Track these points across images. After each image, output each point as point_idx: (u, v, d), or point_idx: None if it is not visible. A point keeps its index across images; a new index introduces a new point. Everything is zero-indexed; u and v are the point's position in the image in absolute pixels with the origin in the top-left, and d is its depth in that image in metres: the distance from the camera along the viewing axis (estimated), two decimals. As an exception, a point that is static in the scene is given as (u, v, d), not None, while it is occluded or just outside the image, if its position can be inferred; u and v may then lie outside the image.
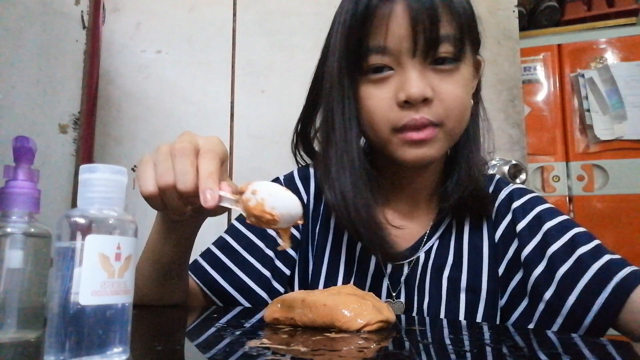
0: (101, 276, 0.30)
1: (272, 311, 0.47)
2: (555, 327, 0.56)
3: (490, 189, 0.69)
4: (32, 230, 0.41)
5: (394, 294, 0.64)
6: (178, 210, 0.47)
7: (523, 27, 1.69)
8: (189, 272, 0.66)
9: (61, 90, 1.17)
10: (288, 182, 0.73)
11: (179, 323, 0.53)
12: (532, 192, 0.68)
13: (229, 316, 0.53)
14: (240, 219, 0.71)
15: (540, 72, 1.82)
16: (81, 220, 0.30)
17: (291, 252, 0.69)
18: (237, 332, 0.42)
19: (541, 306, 0.57)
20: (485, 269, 0.63)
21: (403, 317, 0.56)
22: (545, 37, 1.87)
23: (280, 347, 0.36)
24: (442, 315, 0.61)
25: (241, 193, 0.42)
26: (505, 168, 1.21)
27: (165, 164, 0.44)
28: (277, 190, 0.41)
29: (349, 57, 0.59)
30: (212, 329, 0.45)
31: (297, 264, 0.70)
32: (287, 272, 0.68)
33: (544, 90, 1.81)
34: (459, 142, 0.64)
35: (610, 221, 1.66)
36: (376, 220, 0.60)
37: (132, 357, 0.31)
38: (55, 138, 1.15)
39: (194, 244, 0.59)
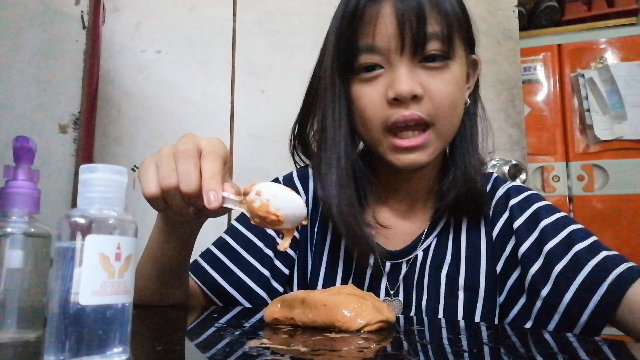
0: (101, 276, 0.30)
1: (272, 311, 0.47)
2: (552, 324, 0.56)
3: (488, 188, 0.69)
4: (32, 230, 0.41)
5: (392, 292, 0.64)
6: (180, 212, 0.47)
7: (523, 27, 1.69)
8: (189, 272, 0.66)
9: (61, 90, 1.17)
10: (287, 182, 0.73)
11: (179, 323, 0.53)
12: (529, 189, 0.68)
13: (228, 316, 0.53)
14: (239, 219, 0.71)
15: (540, 72, 1.82)
16: (81, 220, 0.30)
17: (290, 251, 0.69)
18: (237, 332, 0.42)
19: (538, 303, 0.58)
20: (483, 267, 0.63)
21: (402, 317, 0.56)
22: (545, 37, 1.87)
23: (280, 347, 0.36)
24: (440, 313, 0.61)
25: (245, 194, 0.42)
26: (505, 168, 1.21)
27: (167, 165, 0.44)
28: (282, 192, 0.41)
29: (340, 57, 0.61)
30: (212, 329, 0.45)
31: (296, 263, 0.70)
32: (286, 271, 0.69)
33: (544, 90, 1.81)
34: (455, 141, 0.65)
35: (610, 221, 1.66)
36: (357, 219, 0.61)
37: (132, 357, 0.31)
38: (55, 138, 1.15)
39: (194, 244, 0.59)
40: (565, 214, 0.63)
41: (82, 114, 1.21)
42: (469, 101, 0.65)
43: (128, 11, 1.35)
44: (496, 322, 0.62)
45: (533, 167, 1.75)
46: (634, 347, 0.43)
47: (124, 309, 0.31)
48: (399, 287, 0.65)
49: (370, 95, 0.59)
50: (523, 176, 1.21)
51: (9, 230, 0.40)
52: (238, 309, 0.60)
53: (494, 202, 0.67)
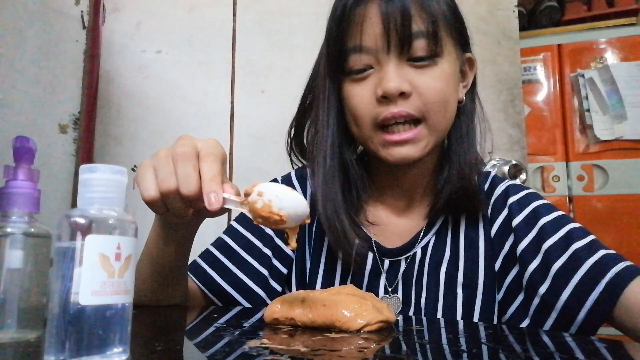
0: (101, 276, 0.30)
1: (272, 311, 0.47)
2: (550, 322, 0.57)
3: (486, 186, 0.69)
4: (32, 230, 0.41)
5: (390, 290, 0.65)
6: (180, 214, 0.47)
7: (523, 27, 1.69)
8: (189, 272, 0.66)
9: (61, 90, 1.17)
10: (286, 182, 0.74)
11: (178, 323, 0.53)
12: (528, 188, 0.68)
13: (228, 316, 0.53)
14: (238, 219, 0.72)
15: (540, 72, 1.82)
16: (81, 220, 0.30)
17: (288, 251, 0.70)
18: (237, 332, 0.42)
19: (536, 301, 0.58)
20: (481, 265, 0.64)
21: (401, 317, 0.56)
22: (545, 37, 1.87)
23: (280, 347, 0.36)
24: (439, 310, 0.62)
25: (246, 195, 0.42)
26: (505, 168, 1.21)
27: (166, 168, 0.44)
28: (284, 191, 0.42)
29: (330, 58, 0.63)
30: (212, 329, 0.45)
31: (294, 263, 0.70)
32: (284, 270, 0.69)
33: (544, 90, 1.81)
34: (451, 139, 0.65)
35: (610, 221, 1.66)
36: (340, 217, 0.62)
37: (132, 357, 0.31)
38: (55, 138, 1.15)
39: (192, 245, 0.59)
40: (564, 212, 0.63)
41: (82, 114, 1.21)
42: (464, 99, 0.66)
43: (128, 11, 1.35)
44: (495, 319, 0.62)
45: (533, 167, 1.75)
46: (631, 347, 0.43)
47: (124, 309, 0.31)
48: (397, 284, 0.65)
49: (361, 94, 0.60)
50: (523, 176, 1.21)
51: (9, 230, 0.40)
52: (238, 308, 0.60)
53: (492, 200, 0.67)
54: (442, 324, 0.50)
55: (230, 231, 0.70)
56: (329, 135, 0.64)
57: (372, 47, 0.59)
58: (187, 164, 0.43)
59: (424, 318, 0.58)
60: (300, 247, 0.70)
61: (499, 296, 0.63)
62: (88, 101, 1.23)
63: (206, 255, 0.69)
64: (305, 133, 0.73)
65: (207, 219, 0.55)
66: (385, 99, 0.58)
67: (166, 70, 1.33)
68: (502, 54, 1.31)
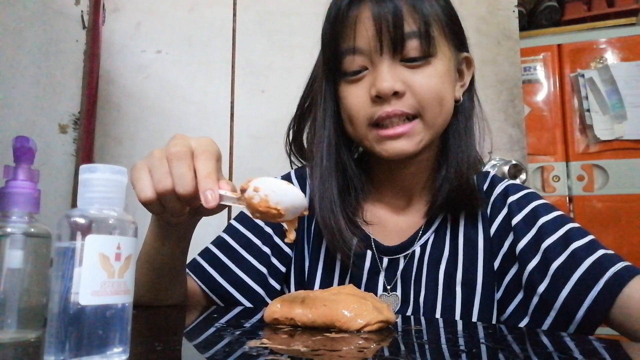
0: (101, 276, 0.30)
1: (272, 311, 0.47)
2: (548, 320, 0.57)
3: (485, 186, 0.70)
4: (32, 230, 0.41)
5: (389, 287, 0.65)
6: (177, 213, 0.47)
7: (523, 27, 1.69)
8: (188, 271, 0.67)
9: (61, 90, 1.17)
10: None
11: (178, 323, 0.53)
12: (527, 188, 0.68)
13: (228, 316, 0.53)
14: (238, 218, 0.72)
15: (540, 72, 1.82)
16: (81, 220, 0.30)
17: (287, 249, 0.70)
18: (237, 332, 0.42)
19: (535, 299, 0.58)
20: (480, 263, 0.64)
21: (401, 317, 0.56)
22: (545, 37, 1.86)
23: (280, 347, 0.36)
24: (438, 309, 0.62)
25: (242, 191, 0.42)
26: (505, 168, 1.21)
27: (161, 168, 0.44)
28: (280, 185, 0.42)
29: (326, 60, 0.64)
30: (212, 329, 0.45)
31: (292, 261, 0.70)
32: (283, 269, 0.69)
33: (544, 90, 1.81)
34: (449, 138, 0.65)
35: (610, 221, 1.66)
36: (336, 217, 0.63)
37: (132, 357, 0.31)
38: (55, 138, 1.15)
39: (190, 244, 0.59)
40: (563, 212, 0.63)
41: (82, 114, 1.21)
42: (462, 98, 0.66)
43: (128, 11, 1.35)
44: (494, 318, 0.62)
45: (533, 167, 1.75)
46: (630, 347, 0.43)
47: (124, 309, 0.31)
48: (396, 282, 0.65)
49: (355, 94, 0.61)
50: (523, 176, 1.21)
51: (9, 230, 0.40)
52: (238, 308, 0.60)
53: (491, 200, 0.68)
54: (442, 324, 0.50)
55: (229, 230, 0.71)
56: (326, 136, 0.66)
57: (366, 49, 0.60)
58: (181, 164, 0.43)
59: (423, 318, 0.58)
60: (299, 246, 0.71)
61: (498, 295, 0.63)
62: (88, 101, 1.23)
63: (206, 253, 0.69)
64: (304, 134, 0.73)
65: (207, 218, 0.55)
66: (379, 98, 0.59)
67: (166, 70, 1.33)
68: (502, 54, 1.31)
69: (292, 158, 0.77)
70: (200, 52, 1.33)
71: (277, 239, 0.70)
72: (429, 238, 0.67)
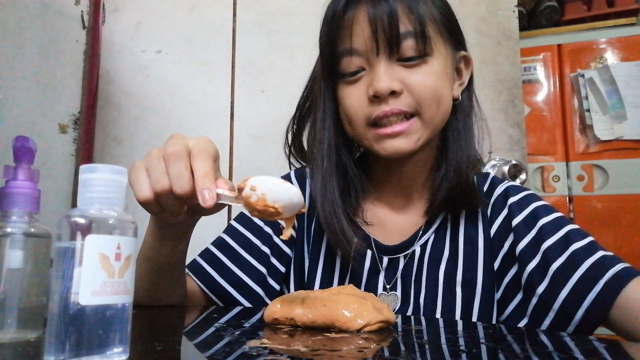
0: (101, 276, 0.30)
1: (272, 311, 0.47)
2: (547, 321, 0.57)
3: (485, 187, 0.70)
4: (32, 230, 0.41)
5: (388, 287, 0.65)
6: (175, 213, 0.47)
7: (523, 27, 1.69)
8: (188, 271, 0.67)
9: (61, 90, 1.17)
10: None
11: (178, 323, 0.53)
12: (527, 189, 0.69)
13: (228, 316, 0.53)
14: (237, 218, 0.72)
15: (540, 72, 1.82)
16: (81, 220, 0.30)
17: (286, 249, 0.70)
18: (237, 332, 0.42)
19: (534, 300, 0.58)
20: (480, 264, 0.64)
21: (401, 317, 0.56)
22: (545, 37, 1.86)
23: (280, 347, 0.36)
24: (438, 308, 0.62)
25: (239, 190, 0.42)
26: (505, 168, 1.21)
27: (158, 168, 0.44)
28: (276, 184, 0.42)
29: (324, 63, 0.65)
30: (212, 329, 0.45)
31: (292, 261, 0.70)
32: (282, 269, 0.69)
33: (544, 90, 1.81)
34: (448, 136, 0.66)
35: (610, 221, 1.66)
36: (338, 216, 0.64)
37: (132, 357, 0.31)
38: (55, 138, 1.15)
39: (189, 244, 0.59)
40: (563, 214, 0.63)
41: (82, 114, 1.21)
42: (460, 97, 0.67)
43: (128, 11, 1.35)
44: (494, 318, 0.62)
45: (533, 167, 1.75)
46: (630, 347, 0.43)
47: (124, 309, 0.31)
48: (396, 282, 0.65)
49: (353, 95, 0.62)
50: (523, 176, 1.21)
51: (9, 230, 0.40)
52: (238, 309, 0.60)
53: (492, 201, 0.68)
54: (442, 324, 0.50)
55: (229, 230, 0.71)
56: (326, 137, 0.66)
57: (362, 50, 0.61)
58: (178, 164, 0.43)
59: (423, 318, 0.58)
60: (299, 246, 0.71)
61: (497, 295, 0.63)
62: (88, 101, 1.23)
63: (205, 254, 0.69)
64: (304, 135, 0.74)
65: (206, 219, 0.55)
66: (376, 98, 0.60)
67: (166, 70, 1.33)
68: (502, 54, 1.31)
69: (292, 159, 0.77)
70: (200, 52, 1.33)
71: (276, 239, 0.70)
72: (429, 238, 0.67)
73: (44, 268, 0.41)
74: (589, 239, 0.59)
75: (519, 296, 0.61)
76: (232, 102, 1.32)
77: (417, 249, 0.66)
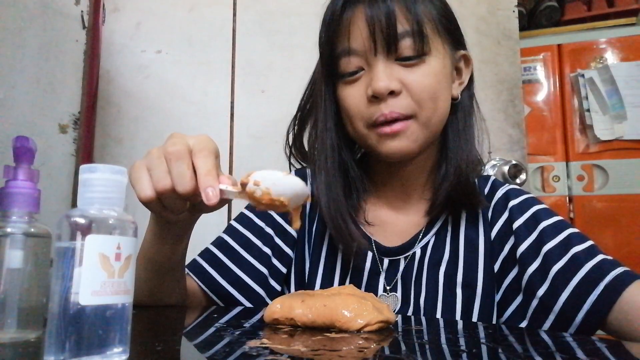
0: (101, 276, 0.30)
1: (272, 311, 0.47)
2: (547, 324, 0.57)
3: (486, 189, 0.70)
4: (32, 230, 0.41)
5: (388, 288, 0.65)
6: (178, 211, 0.47)
7: (523, 27, 1.69)
8: (188, 271, 0.67)
9: (61, 90, 1.17)
10: None
11: (178, 323, 0.53)
12: (528, 192, 0.69)
13: (228, 316, 0.53)
14: (238, 219, 0.72)
15: (540, 72, 1.82)
16: (81, 220, 0.30)
17: (288, 250, 0.70)
18: (237, 332, 0.42)
19: (534, 303, 0.58)
20: (481, 265, 0.64)
21: (401, 317, 0.56)
22: (545, 37, 1.87)
23: (280, 347, 0.36)
24: (438, 310, 0.62)
25: (243, 185, 0.43)
26: (505, 168, 1.21)
27: (159, 168, 0.44)
28: (280, 177, 0.42)
29: (324, 63, 0.65)
30: (212, 329, 0.45)
31: (293, 262, 0.70)
32: (284, 270, 0.69)
33: (544, 90, 1.81)
34: (448, 136, 0.66)
35: (610, 221, 1.66)
36: (344, 216, 0.64)
37: (132, 357, 0.31)
38: (55, 138, 1.15)
39: (189, 243, 0.59)
40: (563, 217, 0.64)
41: (82, 114, 1.21)
42: (460, 96, 0.66)
43: (128, 11, 1.35)
44: (494, 320, 0.62)
45: (533, 167, 1.75)
46: (632, 347, 0.43)
47: (124, 309, 0.31)
48: (396, 283, 0.65)
49: (353, 95, 0.62)
50: (523, 176, 1.21)
51: (9, 230, 0.40)
52: (238, 309, 0.60)
53: (493, 203, 0.68)
54: (442, 324, 0.50)
55: (230, 230, 0.71)
56: (329, 138, 0.66)
57: (361, 49, 0.61)
58: (180, 163, 0.43)
59: (423, 318, 0.58)
60: (300, 247, 0.71)
61: (497, 297, 0.63)
62: (88, 101, 1.23)
63: (206, 254, 0.69)
64: (306, 136, 0.74)
65: (206, 219, 0.55)
66: (375, 98, 0.60)
67: (166, 70, 1.33)
68: (502, 54, 1.31)
69: (292, 160, 0.77)
70: (200, 52, 1.33)
71: (277, 240, 0.70)
72: (429, 240, 0.67)
73: (44, 268, 0.41)
74: (589, 242, 0.59)
75: (519, 298, 0.61)
76: (232, 102, 1.32)
77: (418, 250, 0.66)
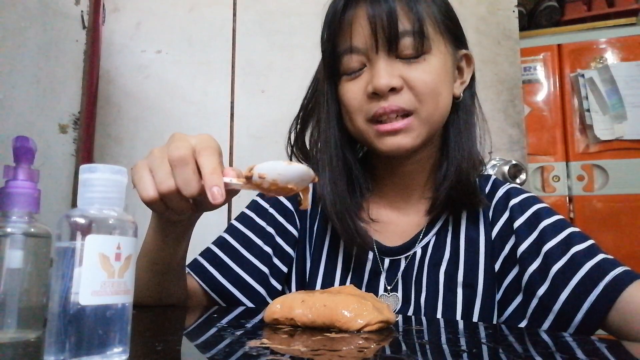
0: (101, 276, 0.30)
1: (272, 312, 0.47)
2: (547, 324, 0.57)
3: (487, 189, 0.70)
4: (32, 230, 0.41)
5: (389, 288, 0.65)
6: (182, 211, 0.47)
7: (523, 27, 1.69)
8: (189, 270, 0.67)
9: (61, 90, 1.17)
10: None
11: (179, 323, 0.53)
12: (528, 192, 0.69)
13: (229, 316, 0.53)
14: (239, 218, 0.72)
15: (540, 72, 1.82)
16: (81, 220, 0.30)
17: (289, 249, 0.70)
18: (237, 332, 0.42)
19: (534, 302, 0.58)
20: (481, 265, 0.64)
21: (401, 317, 0.56)
22: (545, 37, 1.87)
23: (280, 347, 0.36)
24: (439, 309, 0.62)
25: (247, 177, 0.43)
26: (505, 168, 1.21)
27: (162, 169, 0.44)
28: (284, 169, 0.43)
29: (326, 62, 0.66)
30: (213, 329, 0.45)
31: (294, 262, 0.70)
32: (285, 269, 0.69)
33: (544, 90, 1.81)
34: (449, 135, 0.66)
35: (610, 221, 1.66)
36: (351, 215, 0.64)
37: (132, 357, 0.31)
38: (55, 138, 1.15)
39: (189, 242, 0.59)
40: (564, 217, 0.63)
41: (82, 114, 1.21)
42: (462, 96, 0.67)
43: (128, 11, 1.35)
44: (494, 319, 0.62)
45: (533, 167, 1.75)
46: (632, 347, 0.43)
47: (124, 309, 0.31)
48: (397, 283, 0.65)
49: (353, 91, 0.63)
50: (523, 176, 1.21)
51: (9, 230, 0.40)
52: (238, 309, 0.60)
53: (494, 202, 0.68)
54: (442, 324, 0.50)
55: (230, 230, 0.71)
56: (332, 136, 0.66)
57: (362, 47, 0.61)
58: (186, 168, 0.43)
59: (423, 318, 0.58)
60: (301, 246, 0.71)
61: (497, 297, 0.63)
62: (88, 101, 1.23)
63: (207, 253, 0.69)
64: (308, 135, 0.74)
65: (206, 219, 0.55)
66: (376, 95, 0.60)
67: (166, 70, 1.33)
68: (502, 54, 1.31)
69: (293, 159, 0.77)
70: (200, 52, 1.33)
71: (278, 239, 0.70)
72: (430, 240, 0.67)
73: (44, 268, 0.41)
74: (590, 242, 0.59)
75: (519, 298, 0.61)
76: (232, 102, 1.32)
77: (418, 250, 0.66)
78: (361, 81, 0.62)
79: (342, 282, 0.67)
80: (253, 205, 0.73)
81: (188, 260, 0.64)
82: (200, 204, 0.49)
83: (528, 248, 0.61)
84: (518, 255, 0.61)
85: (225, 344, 0.37)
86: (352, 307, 0.44)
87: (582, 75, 1.77)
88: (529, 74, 1.82)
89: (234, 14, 1.36)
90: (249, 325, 0.46)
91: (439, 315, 0.62)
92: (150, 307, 0.59)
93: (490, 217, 0.67)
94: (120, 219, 0.32)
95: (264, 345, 0.36)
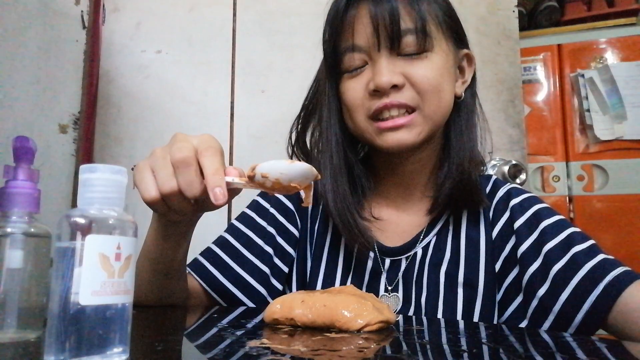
0: (101, 276, 0.30)
1: (272, 312, 0.47)
2: (547, 324, 0.57)
3: (488, 189, 0.70)
4: (32, 230, 0.41)
5: (390, 288, 0.65)
6: (184, 211, 0.47)
7: (523, 27, 1.69)
8: (190, 270, 0.67)
9: (61, 90, 1.17)
10: None
11: (179, 323, 0.53)
12: (529, 192, 0.69)
13: (229, 316, 0.53)
14: (239, 218, 0.72)
15: (540, 72, 1.82)
16: (81, 220, 0.30)
17: (290, 249, 0.70)
18: (238, 332, 0.42)
19: (534, 302, 0.58)
20: (482, 265, 0.64)
21: (401, 317, 0.56)
22: (545, 37, 1.87)
23: (280, 347, 0.36)
24: (439, 309, 0.62)
25: (249, 177, 0.43)
26: (505, 168, 1.21)
27: (164, 170, 0.44)
28: (286, 167, 0.43)
29: (328, 60, 0.66)
30: (213, 329, 0.45)
31: (295, 261, 0.70)
32: (286, 269, 0.69)
33: (544, 90, 1.81)
34: (450, 135, 0.66)
35: (610, 221, 1.66)
36: (353, 214, 0.64)
37: (132, 357, 0.31)
38: (55, 138, 1.15)
39: (190, 242, 0.59)
40: (564, 217, 0.63)
41: (82, 114, 1.21)
42: (463, 95, 0.67)
43: (128, 11, 1.35)
44: (495, 319, 0.62)
45: (533, 167, 1.75)
46: (632, 347, 0.43)
47: (124, 309, 0.31)
48: (398, 283, 0.65)
49: (354, 88, 0.63)
50: (523, 176, 1.21)
51: (9, 230, 0.40)
52: (239, 309, 0.60)
53: (494, 202, 0.68)
54: (443, 324, 0.50)
55: (231, 229, 0.71)
56: (333, 135, 0.66)
57: (364, 46, 0.61)
58: (189, 170, 0.44)
59: (424, 318, 0.58)
60: (302, 246, 0.71)
61: (498, 297, 0.63)
62: (88, 101, 1.23)
63: (207, 253, 0.69)
64: (309, 135, 0.74)
65: (207, 219, 0.55)
66: (377, 92, 0.60)
67: (166, 70, 1.33)
68: (502, 54, 1.31)
69: (294, 159, 0.77)
70: (200, 52, 1.33)
71: (279, 239, 0.70)
72: (430, 240, 0.67)
73: (44, 268, 0.41)
74: (590, 242, 0.59)
75: (519, 298, 0.61)
76: (232, 102, 1.32)
77: (419, 250, 0.66)
78: (363, 79, 0.62)
79: (343, 282, 0.67)
80: (254, 205, 0.73)
81: (188, 260, 0.64)
82: (202, 204, 0.49)
83: (528, 248, 0.61)
84: (518, 256, 0.61)
85: (226, 344, 0.37)
86: (352, 307, 0.44)
87: (582, 75, 1.77)
88: (529, 74, 1.82)
89: (234, 14, 1.36)
90: (249, 325, 0.46)
91: (439, 315, 0.62)
92: (150, 307, 0.59)
93: (491, 217, 0.67)
94: (120, 219, 0.32)
95: (264, 345, 0.36)
